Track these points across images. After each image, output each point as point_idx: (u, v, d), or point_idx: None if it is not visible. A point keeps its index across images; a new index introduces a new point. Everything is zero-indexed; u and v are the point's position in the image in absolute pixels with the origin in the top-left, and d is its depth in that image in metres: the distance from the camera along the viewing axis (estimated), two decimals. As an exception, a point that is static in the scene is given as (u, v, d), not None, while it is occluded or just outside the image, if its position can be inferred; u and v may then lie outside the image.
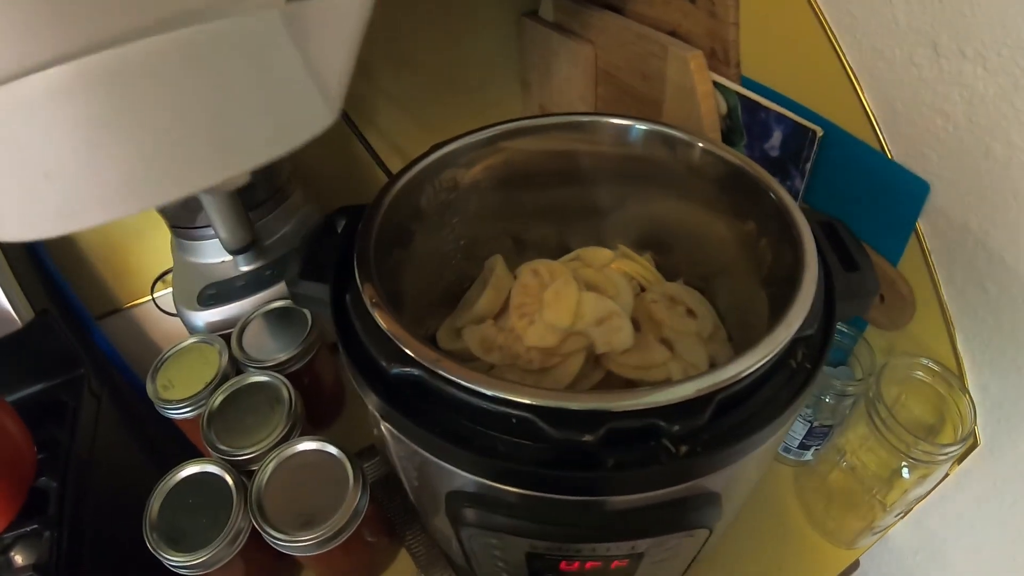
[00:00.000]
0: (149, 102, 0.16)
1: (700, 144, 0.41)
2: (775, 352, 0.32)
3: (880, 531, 0.52)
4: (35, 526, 0.49)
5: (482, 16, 0.74)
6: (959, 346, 0.46)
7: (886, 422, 0.44)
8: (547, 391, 0.28)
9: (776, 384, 0.33)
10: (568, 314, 0.39)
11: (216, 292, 0.59)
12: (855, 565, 0.55)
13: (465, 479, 0.33)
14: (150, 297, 0.72)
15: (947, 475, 0.48)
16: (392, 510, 0.54)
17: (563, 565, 0.35)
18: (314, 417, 0.59)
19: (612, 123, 0.44)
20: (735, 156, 0.40)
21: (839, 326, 0.53)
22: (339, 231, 0.42)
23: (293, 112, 0.21)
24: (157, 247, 0.69)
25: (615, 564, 0.35)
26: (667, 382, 0.29)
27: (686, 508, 0.32)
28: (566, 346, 0.39)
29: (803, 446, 0.56)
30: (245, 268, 0.60)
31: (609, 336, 0.39)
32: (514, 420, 0.30)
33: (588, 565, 0.35)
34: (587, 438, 0.28)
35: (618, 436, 0.29)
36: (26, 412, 0.53)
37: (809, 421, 0.53)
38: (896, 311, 0.48)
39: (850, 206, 0.48)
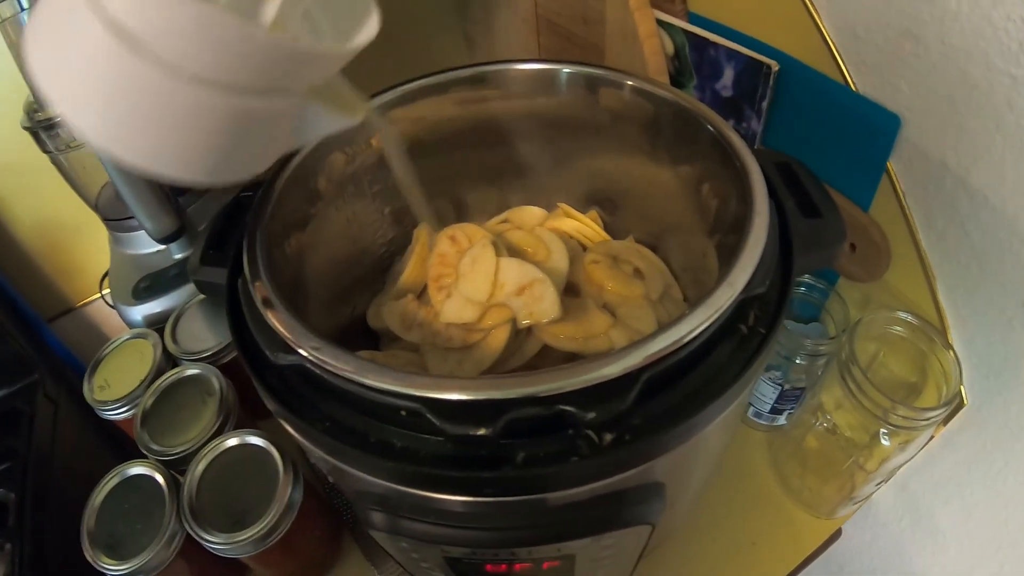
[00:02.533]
0: (209, 122, 0.20)
1: (628, 82, 0.34)
2: (716, 316, 0.26)
3: (861, 500, 0.46)
4: (-5, 540, 0.45)
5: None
6: (940, 297, 0.40)
7: (861, 386, 0.38)
8: (431, 378, 0.22)
9: (722, 353, 0.27)
10: (485, 284, 0.32)
11: (150, 284, 0.53)
12: (837, 534, 0.48)
13: (367, 479, 0.27)
14: (99, 294, 0.66)
15: (932, 437, 0.42)
16: (340, 501, 0.48)
17: (489, 567, 0.29)
18: (258, 408, 0.54)
19: (528, 69, 0.37)
20: (668, 91, 0.33)
21: (808, 279, 0.47)
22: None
23: (273, 150, 0.24)
24: (101, 242, 0.63)
25: (547, 565, 0.29)
26: (579, 361, 0.23)
27: (622, 503, 0.26)
28: (487, 320, 0.32)
29: (775, 410, 0.49)
30: (179, 256, 0.54)
31: (531, 306, 0.32)
32: (403, 413, 0.24)
33: (517, 567, 0.29)
34: (483, 432, 0.22)
35: (525, 427, 0.23)
36: (-21, 424, 0.50)
37: (779, 384, 0.47)
38: (870, 261, 0.42)
39: (814, 147, 0.42)
